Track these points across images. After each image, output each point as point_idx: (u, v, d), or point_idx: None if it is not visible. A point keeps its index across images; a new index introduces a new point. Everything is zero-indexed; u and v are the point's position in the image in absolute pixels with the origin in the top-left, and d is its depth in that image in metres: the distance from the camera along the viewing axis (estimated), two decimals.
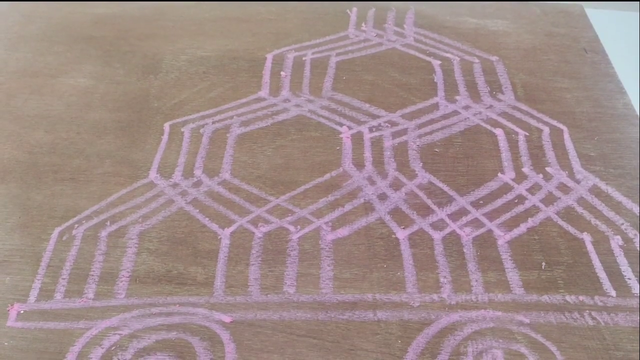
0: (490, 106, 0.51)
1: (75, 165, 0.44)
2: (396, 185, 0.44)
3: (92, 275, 0.38)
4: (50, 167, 0.44)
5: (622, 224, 0.42)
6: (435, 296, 0.38)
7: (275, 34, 0.57)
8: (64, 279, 0.37)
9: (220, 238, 0.40)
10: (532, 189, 0.45)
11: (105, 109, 0.49)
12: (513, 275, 0.39)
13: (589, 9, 0.64)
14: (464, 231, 0.42)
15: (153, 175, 0.44)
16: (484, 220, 0.42)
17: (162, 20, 0.58)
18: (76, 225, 0.40)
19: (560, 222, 0.42)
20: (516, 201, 0.44)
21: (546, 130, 0.49)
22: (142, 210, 0.42)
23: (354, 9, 0.61)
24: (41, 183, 0.43)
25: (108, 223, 0.41)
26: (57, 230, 0.40)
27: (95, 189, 0.43)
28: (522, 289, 0.38)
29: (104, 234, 0.40)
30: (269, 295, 0.37)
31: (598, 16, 0.63)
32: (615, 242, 0.41)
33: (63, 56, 0.53)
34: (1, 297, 0.36)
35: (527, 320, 0.37)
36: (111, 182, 0.43)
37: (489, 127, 0.49)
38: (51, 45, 0.54)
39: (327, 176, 0.45)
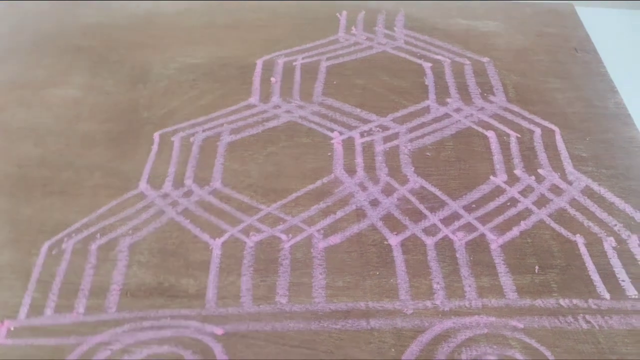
0: (482, 108, 0.51)
1: (64, 177, 0.44)
2: (388, 191, 0.44)
3: (83, 289, 0.37)
4: (40, 180, 0.43)
5: (615, 225, 0.42)
6: (428, 303, 0.38)
7: (265, 40, 0.57)
8: (54, 294, 0.37)
9: (212, 248, 0.40)
10: (525, 192, 0.44)
11: (94, 120, 0.48)
12: (506, 280, 0.39)
13: (579, 8, 0.64)
14: (456, 236, 0.41)
15: (143, 186, 0.44)
16: (477, 224, 0.42)
17: (151, 29, 0.57)
18: (66, 239, 0.40)
19: (553, 225, 0.42)
20: (509, 204, 0.44)
21: (538, 131, 0.49)
22: (133, 222, 0.41)
23: (343, 13, 0.61)
24: (30, 197, 0.42)
25: (98, 235, 0.40)
26: (46, 244, 0.40)
27: (85, 202, 0.42)
28: (516, 293, 0.38)
29: (94, 247, 0.40)
30: (261, 306, 0.37)
31: (588, 14, 0.63)
32: (609, 243, 0.41)
33: (51, 68, 0.52)
34: None
35: (521, 326, 0.37)
36: (101, 194, 0.43)
37: (480, 129, 0.49)
38: (39, 57, 0.53)
39: (318, 183, 0.45)
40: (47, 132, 0.47)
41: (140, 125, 0.48)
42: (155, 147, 0.46)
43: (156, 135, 0.47)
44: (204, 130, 0.48)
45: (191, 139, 0.47)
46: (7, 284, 0.37)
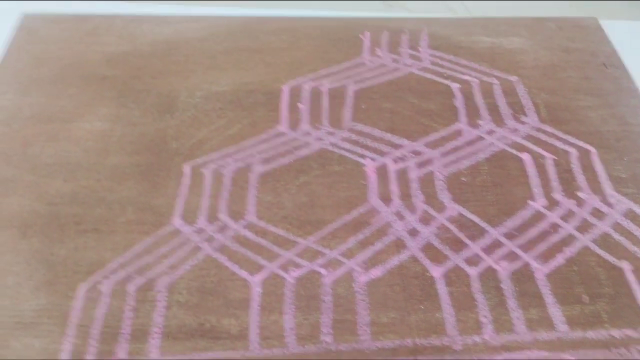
0: (515, 130, 0.50)
1: (97, 214, 0.43)
2: (426, 220, 0.43)
3: (123, 333, 0.36)
4: (72, 218, 0.43)
5: None
6: (477, 338, 0.37)
7: (290, 63, 0.56)
8: (93, 339, 0.36)
9: (251, 286, 0.39)
10: (566, 217, 0.44)
11: (123, 152, 0.48)
12: (555, 311, 0.38)
13: (604, 21, 0.63)
14: (500, 265, 0.40)
15: (177, 221, 0.43)
16: (520, 252, 0.41)
17: (174, 55, 0.57)
18: (102, 280, 0.39)
19: (598, 251, 0.41)
20: (551, 230, 0.43)
21: (574, 152, 0.48)
22: (169, 260, 0.40)
23: (367, 34, 0.60)
24: (64, 236, 0.42)
25: (135, 276, 0.39)
26: (83, 286, 0.39)
27: (120, 239, 0.41)
28: (566, 325, 0.37)
29: (131, 287, 0.39)
30: (306, 346, 0.36)
31: (614, 28, 0.62)
32: None
33: (77, 99, 0.52)
34: None
35: None
36: (135, 231, 0.42)
37: (515, 152, 0.48)
38: (64, 88, 0.53)
39: (354, 213, 0.44)
40: (76, 166, 0.46)
41: (169, 157, 0.47)
42: (186, 180, 0.46)
43: (186, 167, 0.47)
44: (234, 161, 0.47)
45: (222, 171, 0.46)
46: (46, 329, 0.37)
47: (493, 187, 0.46)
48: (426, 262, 0.41)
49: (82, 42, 0.58)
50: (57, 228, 0.42)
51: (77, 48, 0.57)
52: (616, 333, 0.37)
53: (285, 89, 0.54)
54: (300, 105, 0.52)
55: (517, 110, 0.52)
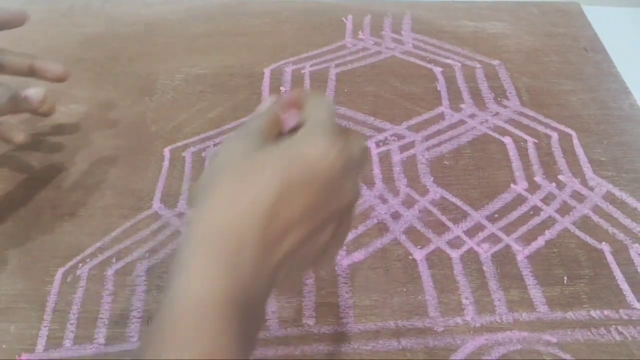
0: (497, 113, 0.50)
1: (74, 198, 0.42)
2: (409, 203, 0.43)
3: (102, 318, 0.36)
4: (48, 202, 0.42)
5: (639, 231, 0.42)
6: (459, 319, 0.37)
7: (272, 47, 0.56)
8: (71, 324, 0.35)
9: None
10: (547, 199, 0.44)
11: (101, 135, 0.47)
12: (536, 292, 0.38)
13: (586, 6, 0.63)
14: (481, 248, 0.41)
15: (157, 205, 0.42)
16: (501, 235, 0.41)
17: (153, 37, 0.56)
18: (80, 265, 0.38)
19: (578, 233, 0.42)
20: (531, 213, 0.43)
21: (555, 136, 0.48)
22: (149, 244, 0.40)
23: (349, 17, 0.59)
24: (40, 220, 0.41)
25: (114, 260, 0.39)
26: (60, 271, 0.38)
27: (98, 224, 0.41)
28: (546, 306, 0.38)
29: (110, 272, 0.38)
30: (288, 329, 0.36)
31: (595, 13, 0.62)
32: (635, 250, 0.41)
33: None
34: (8, 348, 0.34)
35: (554, 340, 0.36)
36: (114, 215, 0.41)
37: (497, 135, 0.48)
38: None
39: None
40: (53, 150, 0.45)
41: (149, 140, 0.46)
42: (166, 163, 0.45)
43: (166, 151, 0.46)
44: (215, 145, 0.46)
45: (203, 154, 0.46)
46: (23, 314, 0.36)
47: (475, 171, 0.46)
48: (409, 245, 0.41)
49: (57, 24, 0.56)
50: (33, 212, 0.41)
51: (52, 30, 0.56)
52: (596, 314, 0.37)
53: (267, 72, 0.53)
54: (282, 89, 0.52)
55: (499, 94, 0.52)
